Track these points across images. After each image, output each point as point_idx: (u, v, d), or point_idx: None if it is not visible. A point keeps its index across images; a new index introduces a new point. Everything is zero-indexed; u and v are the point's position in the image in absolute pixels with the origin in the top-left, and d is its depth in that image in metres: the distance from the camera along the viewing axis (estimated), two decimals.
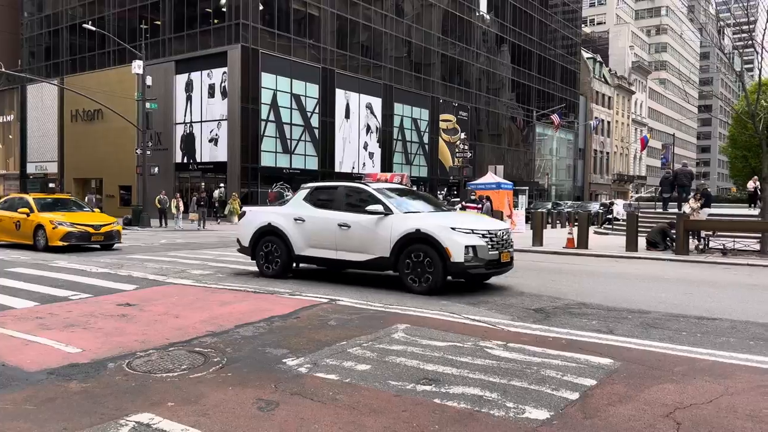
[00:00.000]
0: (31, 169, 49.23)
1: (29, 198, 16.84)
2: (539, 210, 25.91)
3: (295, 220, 10.13)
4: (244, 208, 11.85)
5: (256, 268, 12.04)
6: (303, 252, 10.07)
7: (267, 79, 36.90)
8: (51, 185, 34.49)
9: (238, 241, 11.25)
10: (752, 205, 25.85)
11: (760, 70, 19.25)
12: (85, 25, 35.97)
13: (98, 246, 16.12)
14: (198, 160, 38.22)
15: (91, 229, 15.49)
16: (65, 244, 15.00)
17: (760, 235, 15.91)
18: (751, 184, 27.33)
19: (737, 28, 22.06)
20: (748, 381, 4.76)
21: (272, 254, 10.43)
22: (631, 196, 47.09)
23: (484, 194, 24.88)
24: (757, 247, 15.91)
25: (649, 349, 5.78)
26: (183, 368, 5.03)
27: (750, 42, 17.99)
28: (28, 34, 50.12)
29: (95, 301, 8.16)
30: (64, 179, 46.04)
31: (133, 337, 6.08)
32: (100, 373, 4.91)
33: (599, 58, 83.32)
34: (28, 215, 15.61)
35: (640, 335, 6.36)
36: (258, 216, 10.96)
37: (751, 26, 19.02)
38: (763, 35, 16.62)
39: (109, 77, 40.95)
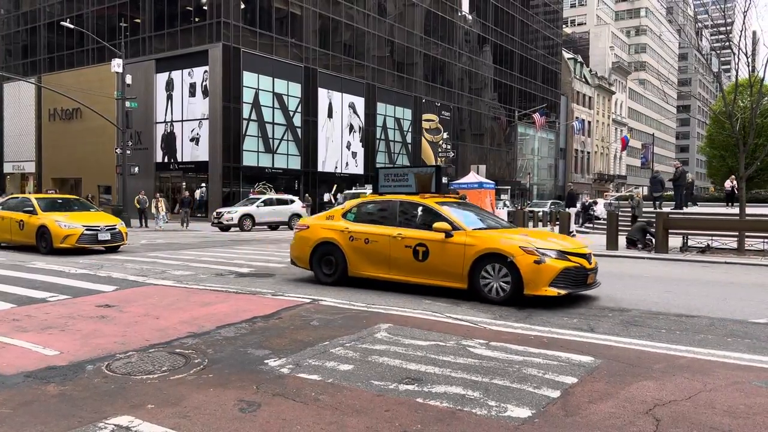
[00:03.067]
0: (8, 168, 48.41)
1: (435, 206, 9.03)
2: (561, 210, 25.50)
3: None
4: None
5: (236, 269, 11.97)
6: None
7: (249, 78, 36.66)
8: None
9: None
10: (729, 204, 26.29)
11: (737, 71, 19.54)
12: (63, 23, 35.42)
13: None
14: (179, 159, 37.85)
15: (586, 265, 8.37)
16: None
17: (737, 233, 16.17)
18: (728, 184, 27.78)
19: (715, 29, 22.37)
20: (725, 377, 4.83)
21: None
22: (606, 195, 47.58)
23: (460, 194, 24.95)
24: (735, 245, 16.16)
25: (630, 346, 5.84)
26: (163, 370, 4.98)
27: (727, 43, 18.26)
28: (5, 31, 49.26)
29: (73, 303, 8.04)
30: (42, 179, 45.35)
31: (113, 339, 6.01)
32: (79, 375, 4.84)
33: (580, 59, 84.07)
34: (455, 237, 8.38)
35: (620, 333, 6.43)
36: None
37: (728, 28, 19.29)
38: (740, 37, 16.86)
39: (87, 76, 40.39)
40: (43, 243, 14.52)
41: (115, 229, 15.20)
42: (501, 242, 8.20)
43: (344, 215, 9.84)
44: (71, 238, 14.26)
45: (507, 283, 8.00)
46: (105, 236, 14.87)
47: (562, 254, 8.07)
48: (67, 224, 14.44)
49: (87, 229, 14.57)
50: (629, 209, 21.96)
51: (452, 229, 8.52)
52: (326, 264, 9.70)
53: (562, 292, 7.86)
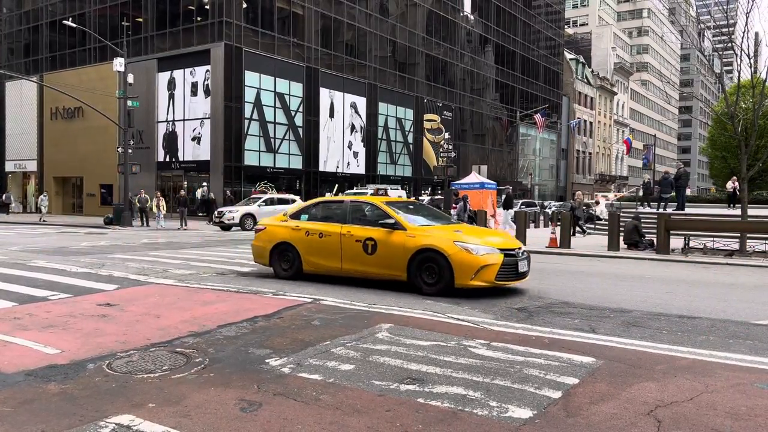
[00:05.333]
0: (9, 167, 48.44)
1: None
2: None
3: None
4: None
5: (237, 268, 11.97)
6: None
7: (251, 78, 36.66)
8: None
9: None
10: (731, 205, 26.28)
11: (739, 72, 19.53)
12: (65, 22, 35.45)
13: None
14: (181, 158, 37.86)
15: None
16: None
17: (738, 234, 16.15)
18: (730, 185, 27.75)
19: (717, 30, 22.35)
20: (727, 379, 4.82)
21: None
22: (605, 196, 47.63)
23: (462, 194, 24.92)
24: (737, 246, 16.14)
25: (631, 347, 5.83)
26: (164, 369, 4.98)
27: (729, 44, 18.24)
28: (7, 30, 49.30)
29: (75, 302, 8.04)
30: (44, 178, 45.39)
31: (114, 338, 6.01)
32: (80, 374, 4.84)
33: (582, 59, 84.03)
34: None
35: (621, 334, 6.42)
36: None
37: (730, 29, 19.27)
38: (742, 38, 16.85)
39: (89, 75, 40.41)
40: (428, 277, 8.86)
41: (525, 253, 9.55)
42: None
43: None
44: (489, 270, 8.61)
45: None
46: (524, 266, 9.18)
47: None
48: (477, 248, 8.72)
49: (506, 255, 8.89)
50: (571, 209, 23.70)
51: None
52: None
53: None
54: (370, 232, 9.44)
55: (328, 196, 38.70)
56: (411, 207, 10.84)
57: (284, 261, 10.46)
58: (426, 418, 3.91)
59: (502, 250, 8.89)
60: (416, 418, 3.90)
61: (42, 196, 34.97)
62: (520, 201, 39.47)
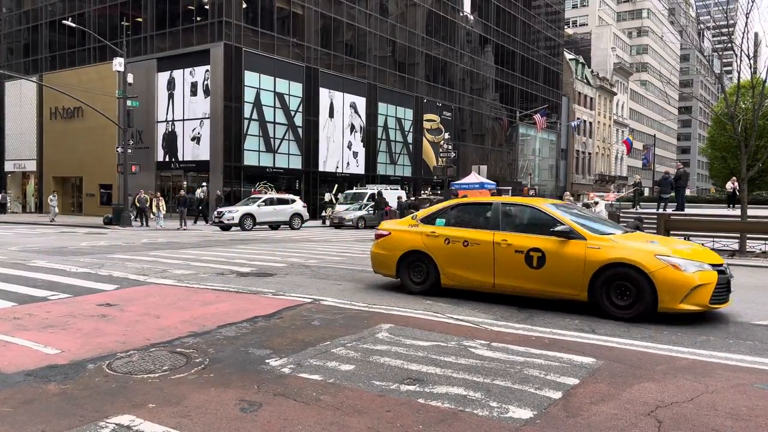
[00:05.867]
0: (9, 167, 48.42)
1: None
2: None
3: None
4: None
5: (237, 268, 11.98)
6: None
7: (250, 78, 36.64)
8: None
9: None
10: (731, 205, 26.30)
11: (738, 73, 19.54)
12: (64, 22, 35.42)
13: None
14: (180, 158, 37.83)
15: None
16: None
17: (738, 235, 16.15)
18: (729, 185, 27.78)
19: (717, 31, 22.39)
20: (727, 379, 4.82)
21: None
22: (601, 196, 47.60)
23: (461, 194, 24.95)
24: (737, 246, 16.14)
25: (631, 348, 5.84)
26: (164, 369, 4.97)
27: (729, 45, 18.25)
28: (6, 30, 49.27)
29: (75, 302, 8.04)
30: (43, 178, 45.38)
31: (114, 338, 6.00)
32: (80, 374, 4.83)
33: (581, 60, 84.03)
34: None
35: (622, 334, 6.42)
36: None
37: (730, 29, 19.28)
38: (742, 38, 16.86)
39: (89, 75, 40.40)
40: (619, 299, 7.21)
41: (729, 268, 7.78)
42: None
43: None
44: (702, 291, 6.98)
45: None
46: (732, 284, 7.65)
47: None
48: (685, 263, 7.06)
49: (720, 273, 7.24)
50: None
51: None
52: None
53: None
54: (536, 241, 7.81)
55: (328, 197, 38.87)
56: (575, 211, 8.81)
57: (416, 273, 8.95)
58: (426, 418, 3.90)
59: (713, 266, 7.24)
60: (417, 418, 3.90)
61: (51, 197, 35.06)
62: None
